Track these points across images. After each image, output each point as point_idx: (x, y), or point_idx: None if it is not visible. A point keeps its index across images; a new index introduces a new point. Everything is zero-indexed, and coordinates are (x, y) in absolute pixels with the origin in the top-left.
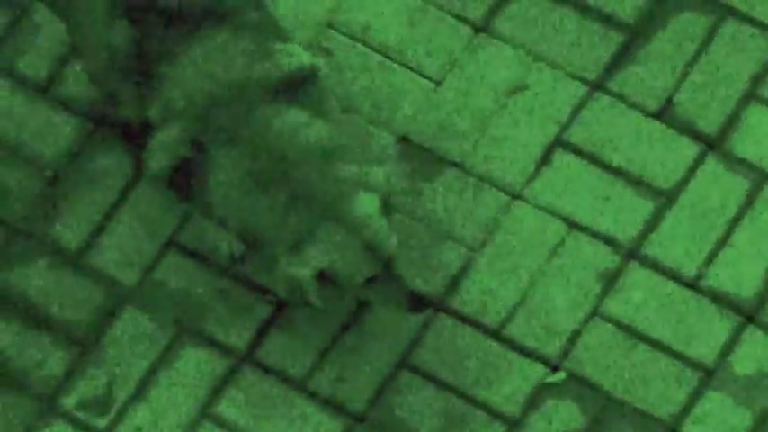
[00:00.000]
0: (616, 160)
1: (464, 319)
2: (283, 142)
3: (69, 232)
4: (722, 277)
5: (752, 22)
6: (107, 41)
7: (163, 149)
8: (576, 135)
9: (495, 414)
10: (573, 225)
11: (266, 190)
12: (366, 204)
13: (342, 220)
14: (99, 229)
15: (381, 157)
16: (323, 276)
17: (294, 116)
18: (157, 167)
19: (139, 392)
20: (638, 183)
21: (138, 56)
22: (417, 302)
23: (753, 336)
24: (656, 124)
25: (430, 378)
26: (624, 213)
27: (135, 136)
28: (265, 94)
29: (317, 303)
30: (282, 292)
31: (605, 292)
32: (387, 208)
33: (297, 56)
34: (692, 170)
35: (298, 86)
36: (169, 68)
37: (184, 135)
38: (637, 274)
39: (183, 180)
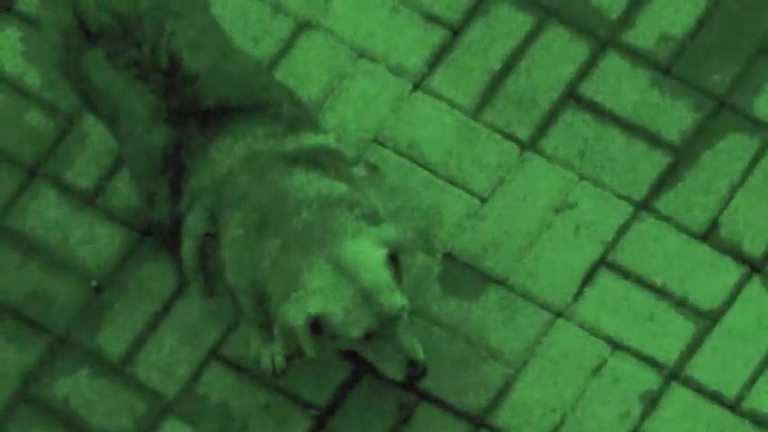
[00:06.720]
0: (660, 281)
1: None
2: (288, 194)
3: (112, 342)
4: (764, 399)
5: None
6: (148, 144)
7: (188, 235)
8: (621, 255)
9: None
10: (615, 345)
11: (262, 239)
12: (366, 252)
13: (336, 263)
14: (142, 340)
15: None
16: (318, 327)
17: (307, 176)
18: (188, 257)
19: None
20: (681, 304)
21: (175, 156)
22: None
23: None
24: (701, 245)
25: None
26: (667, 334)
27: (172, 243)
28: (283, 162)
29: (310, 353)
30: (280, 343)
31: (647, 413)
32: (396, 265)
33: (321, 136)
34: (735, 292)
35: (318, 158)
36: (199, 161)
37: (205, 213)
38: (678, 396)
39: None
